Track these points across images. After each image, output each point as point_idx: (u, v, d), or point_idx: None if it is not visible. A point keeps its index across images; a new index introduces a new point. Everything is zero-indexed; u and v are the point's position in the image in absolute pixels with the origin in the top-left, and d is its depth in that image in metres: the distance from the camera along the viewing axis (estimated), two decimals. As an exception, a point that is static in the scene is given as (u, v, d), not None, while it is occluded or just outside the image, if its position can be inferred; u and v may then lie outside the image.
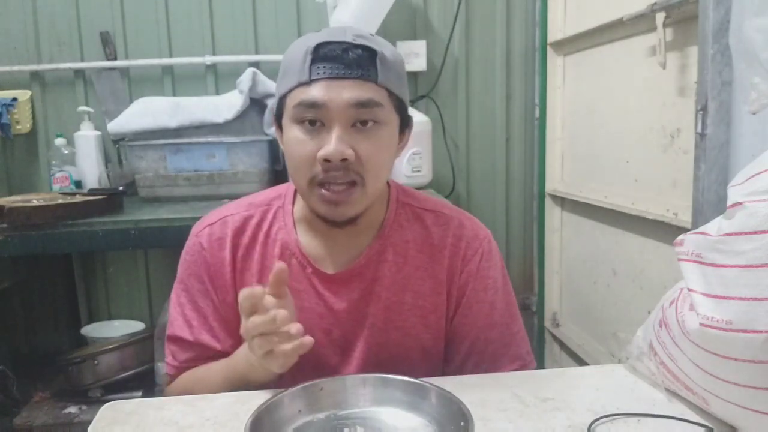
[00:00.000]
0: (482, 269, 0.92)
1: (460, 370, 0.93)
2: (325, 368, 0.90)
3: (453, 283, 0.91)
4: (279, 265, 0.74)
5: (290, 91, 0.80)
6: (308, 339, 0.71)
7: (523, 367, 0.94)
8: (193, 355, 0.92)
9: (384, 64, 0.79)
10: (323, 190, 0.80)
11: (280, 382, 0.87)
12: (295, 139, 0.80)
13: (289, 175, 0.87)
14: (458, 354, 0.93)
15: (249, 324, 0.72)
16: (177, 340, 0.93)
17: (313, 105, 0.77)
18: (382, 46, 0.81)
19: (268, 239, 0.91)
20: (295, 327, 0.70)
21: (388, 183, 0.94)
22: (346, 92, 0.77)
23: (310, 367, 0.86)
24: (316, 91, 0.77)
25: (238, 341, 0.91)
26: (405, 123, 0.87)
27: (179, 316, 0.93)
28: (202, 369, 0.91)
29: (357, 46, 0.78)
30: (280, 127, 0.86)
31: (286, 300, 0.76)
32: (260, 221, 0.92)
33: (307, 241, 0.90)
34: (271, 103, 0.88)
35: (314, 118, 0.78)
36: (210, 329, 0.92)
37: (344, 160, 0.77)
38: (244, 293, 0.72)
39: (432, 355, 0.93)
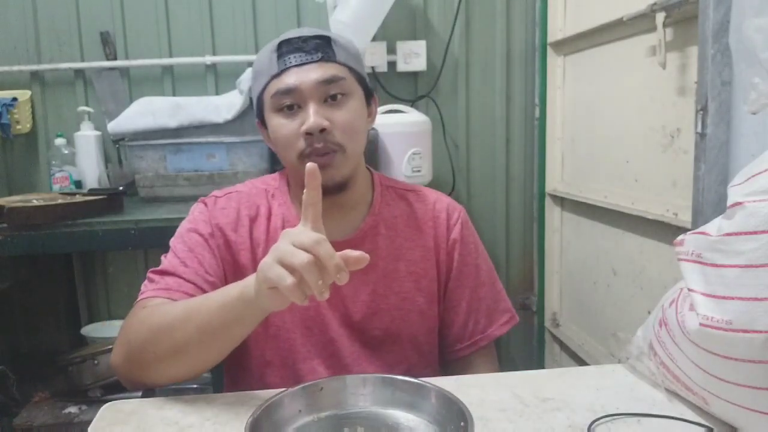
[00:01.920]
0: (465, 236, 1.05)
1: (463, 331, 1.04)
2: (328, 333, 0.96)
3: (440, 249, 1.03)
4: (310, 164, 0.72)
5: (266, 86, 0.92)
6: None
7: (512, 318, 1.07)
8: (177, 286, 0.89)
9: (339, 46, 0.92)
10: (310, 159, 0.87)
11: (283, 356, 0.94)
12: (278, 124, 0.92)
13: (280, 158, 0.96)
14: (458, 317, 1.04)
15: (322, 249, 0.66)
16: (163, 272, 0.91)
17: (287, 91, 0.89)
18: (334, 35, 0.94)
19: (270, 214, 0.99)
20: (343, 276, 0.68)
21: (370, 171, 1.05)
22: (312, 74, 0.89)
23: (316, 333, 0.96)
24: (288, 79, 0.89)
25: None
26: (369, 95, 0.98)
27: (172, 258, 0.92)
28: (190, 300, 0.84)
29: (313, 36, 0.91)
30: (263, 125, 0.97)
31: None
32: (262, 198, 1.00)
33: None
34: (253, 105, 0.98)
35: (291, 103, 0.90)
36: (204, 273, 0.90)
37: (323, 130, 0.88)
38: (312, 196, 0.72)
39: (428, 317, 1.02)
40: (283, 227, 0.95)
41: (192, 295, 0.87)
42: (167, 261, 0.93)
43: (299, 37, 0.91)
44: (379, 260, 0.98)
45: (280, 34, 0.94)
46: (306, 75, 0.89)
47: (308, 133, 0.88)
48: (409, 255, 1.01)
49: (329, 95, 0.90)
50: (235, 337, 0.80)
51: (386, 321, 0.98)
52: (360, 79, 0.95)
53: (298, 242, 0.67)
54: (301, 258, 0.66)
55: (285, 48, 0.90)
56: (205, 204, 0.99)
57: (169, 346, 0.80)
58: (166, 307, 0.84)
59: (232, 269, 0.95)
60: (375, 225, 1.00)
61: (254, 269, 0.74)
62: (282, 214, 0.98)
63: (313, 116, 0.88)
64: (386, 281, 0.99)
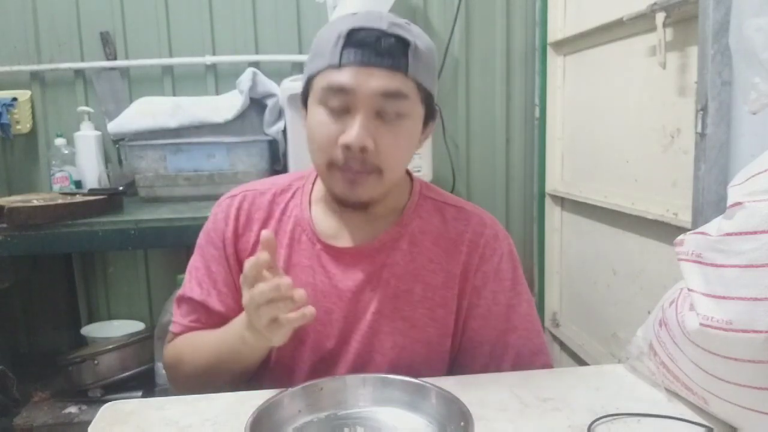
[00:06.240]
0: (502, 271, 0.92)
1: (482, 372, 0.91)
2: (322, 350, 0.89)
3: (467, 279, 0.90)
4: (265, 232, 0.74)
5: (319, 72, 0.81)
6: (310, 309, 0.71)
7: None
8: (198, 317, 0.94)
9: (416, 55, 0.79)
10: (341, 172, 0.82)
11: (277, 371, 0.90)
12: (318, 121, 0.81)
13: (310, 154, 0.87)
14: (477, 360, 0.91)
15: (256, 291, 0.71)
16: (186, 300, 0.95)
17: (340, 89, 0.78)
18: (415, 36, 0.80)
19: (284, 215, 0.93)
20: (299, 293, 0.70)
21: (411, 176, 0.96)
22: (374, 80, 0.77)
23: (309, 349, 0.89)
24: (345, 77, 0.78)
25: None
26: (430, 116, 0.87)
27: (192, 279, 0.96)
28: (199, 336, 0.93)
29: (390, 35, 0.78)
30: (305, 106, 0.87)
31: (278, 273, 0.75)
32: (279, 199, 0.95)
33: (320, 219, 0.92)
34: (301, 80, 0.89)
35: (340, 105, 0.79)
36: (219, 293, 0.93)
37: (363, 149, 0.78)
38: (250, 262, 0.72)
39: (437, 351, 0.91)
40: (293, 231, 0.91)
41: (204, 323, 0.93)
42: (188, 283, 0.96)
43: (375, 30, 0.78)
44: (391, 278, 0.89)
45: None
46: (366, 80, 0.77)
47: (347, 147, 0.79)
48: (429, 278, 0.89)
49: (384, 111, 0.79)
50: (245, 367, 0.87)
51: (386, 345, 0.89)
52: (426, 97, 0.83)
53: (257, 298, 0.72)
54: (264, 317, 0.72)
55: (354, 38, 0.78)
56: (220, 205, 0.97)
57: (183, 375, 0.93)
58: (180, 344, 0.94)
59: (240, 274, 0.93)
60: (397, 238, 0.90)
61: None
62: (295, 216, 0.92)
63: (357, 131, 0.78)
64: (395, 302, 0.88)
